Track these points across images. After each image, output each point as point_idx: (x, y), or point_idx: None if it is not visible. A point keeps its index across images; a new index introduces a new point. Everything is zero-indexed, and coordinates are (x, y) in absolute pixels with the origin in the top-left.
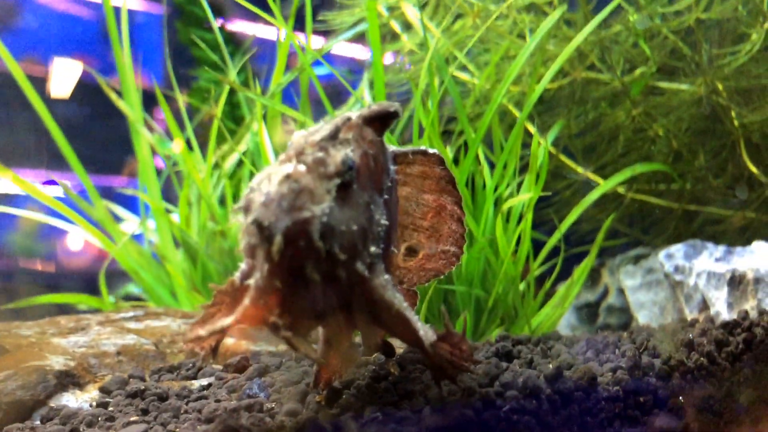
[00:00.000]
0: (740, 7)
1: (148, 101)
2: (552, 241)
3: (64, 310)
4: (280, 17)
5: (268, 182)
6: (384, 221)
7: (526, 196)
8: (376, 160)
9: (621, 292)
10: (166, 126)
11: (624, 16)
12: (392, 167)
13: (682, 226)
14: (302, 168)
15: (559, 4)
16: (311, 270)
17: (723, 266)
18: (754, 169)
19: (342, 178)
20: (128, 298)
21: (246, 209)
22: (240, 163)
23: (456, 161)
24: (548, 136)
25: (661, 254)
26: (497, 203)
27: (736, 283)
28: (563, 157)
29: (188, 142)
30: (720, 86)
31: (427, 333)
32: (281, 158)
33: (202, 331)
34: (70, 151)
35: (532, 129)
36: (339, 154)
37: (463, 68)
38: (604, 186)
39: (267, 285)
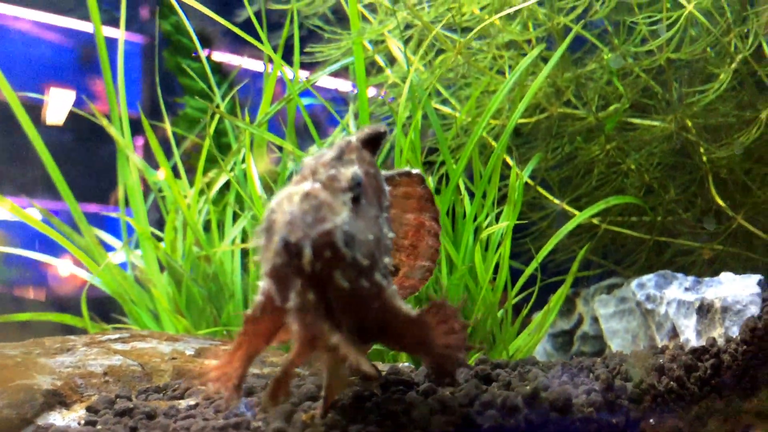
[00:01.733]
0: (708, 49)
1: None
2: (529, 271)
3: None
4: (269, 47)
5: (288, 202)
6: (391, 234)
7: (504, 224)
8: (376, 180)
9: (595, 320)
10: (144, 153)
11: (599, 55)
12: (387, 188)
13: (654, 257)
14: (318, 185)
15: (537, 42)
16: (340, 277)
17: (692, 296)
18: (721, 203)
19: (353, 192)
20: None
21: (269, 230)
22: (225, 190)
23: (438, 191)
24: (526, 168)
25: (633, 284)
26: (477, 232)
27: (705, 311)
28: (540, 189)
29: (175, 169)
30: (689, 123)
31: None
32: (296, 179)
33: (229, 370)
34: (59, 176)
35: (510, 161)
36: (348, 171)
37: (445, 102)
38: (579, 217)
39: (303, 302)
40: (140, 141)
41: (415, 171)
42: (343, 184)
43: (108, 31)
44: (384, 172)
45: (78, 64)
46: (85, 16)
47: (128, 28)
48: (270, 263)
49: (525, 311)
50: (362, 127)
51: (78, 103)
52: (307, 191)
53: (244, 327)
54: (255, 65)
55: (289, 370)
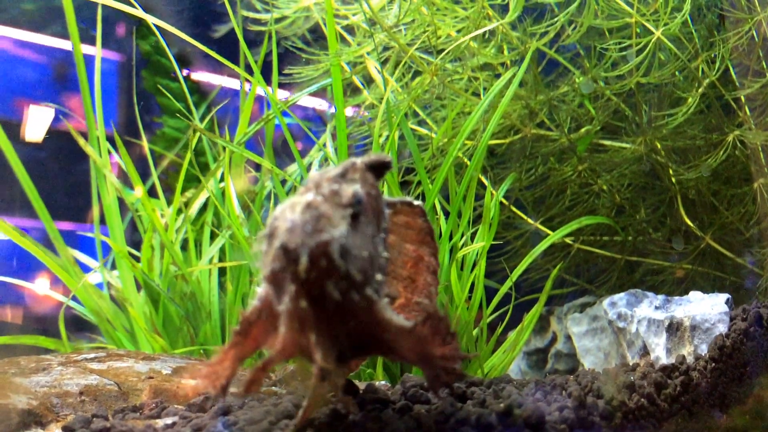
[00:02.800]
0: (677, 73)
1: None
2: (503, 289)
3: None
4: (243, 71)
5: (290, 211)
6: (386, 254)
7: (479, 245)
8: (376, 202)
9: (568, 338)
10: (118, 170)
11: (571, 78)
12: (387, 211)
13: (625, 275)
14: (320, 198)
15: (511, 64)
16: (332, 288)
17: (662, 314)
18: (690, 224)
19: (353, 209)
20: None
21: (270, 236)
22: (203, 209)
23: None
24: (500, 188)
25: (605, 302)
26: (452, 251)
27: (674, 330)
28: (515, 209)
29: (153, 188)
30: (659, 145)
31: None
32: (300, 191)
33: (221, 369)
34: (34, 194)
35: (485, 181)
36: (350, 189)
37: (421, 122)
38: (552, 237)
39: (295, 307)
40: (115, 155)
41: (417, 203)
42: (344, 200)
43: (87, 49)
44: (386, 198)
45: (52, 81)
46: (59, 33)
47: (104, 46)
48: (269, 267)
49: (500, 329)
50: (369, 153)
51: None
52: (309, 201)
53: (240, 327)
54: (234, 83)
55: (266, 366)
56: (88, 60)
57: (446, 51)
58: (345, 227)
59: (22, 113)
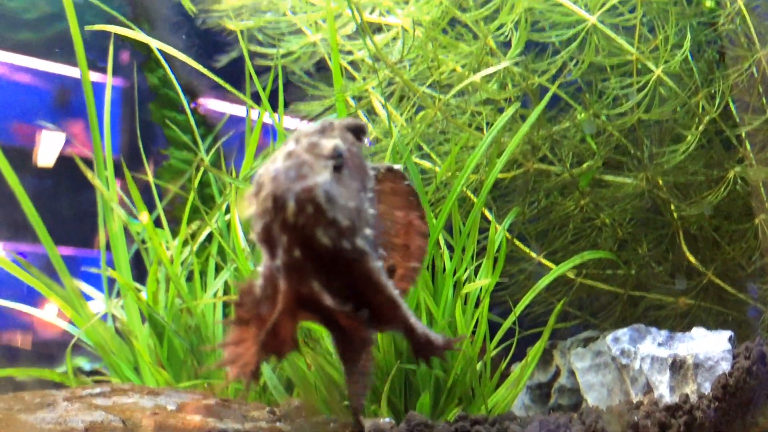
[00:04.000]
0: (678, 108)
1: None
2: (507, 324)
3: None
4: (264, 99)
5: (272, 163)
6: (372, 210)
7: (484, 282)
8: (359, 160)
9: (572, 373)
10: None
11: (572, 114)
12: (373, 173)
13: (628, 310)
14: (299, 148)
15: (514, 100)
16: (322, 234)
17: (665, 351)
18: (692, 259)
19: (335, 161)
20: (79, 371)
21: (257, 193)
22: (208, 240)
23: None
24: (504, 222)
25: (609, 338)
26: (456, 286)
27: (677, 367)
28: (518, 242)
29: (157, 219)
30: (660, 181)
31: (416, 321)
32: (281, 147)
33: (240, 350)
34: (38, 220)
35: (489, 215)
36: (330, 142)
37: (424, 156)
38: (555, 272)
39: (290, 258)
40: (118, 182)
41: (396, 166)
42: (325, 151)
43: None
44: (373, 165)
45: (53, 107)
46: (61, 59)
47: (106, 72)
48: (260, 224)
49: (503, 365)
50: (343, 118)
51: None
52: (289, 151)
53: (240, 300)
54: (241, 110)
55: (277, 321)
56: (94, 87)
57: (450, 87)
58: (328, 174)
59: (21, 138)
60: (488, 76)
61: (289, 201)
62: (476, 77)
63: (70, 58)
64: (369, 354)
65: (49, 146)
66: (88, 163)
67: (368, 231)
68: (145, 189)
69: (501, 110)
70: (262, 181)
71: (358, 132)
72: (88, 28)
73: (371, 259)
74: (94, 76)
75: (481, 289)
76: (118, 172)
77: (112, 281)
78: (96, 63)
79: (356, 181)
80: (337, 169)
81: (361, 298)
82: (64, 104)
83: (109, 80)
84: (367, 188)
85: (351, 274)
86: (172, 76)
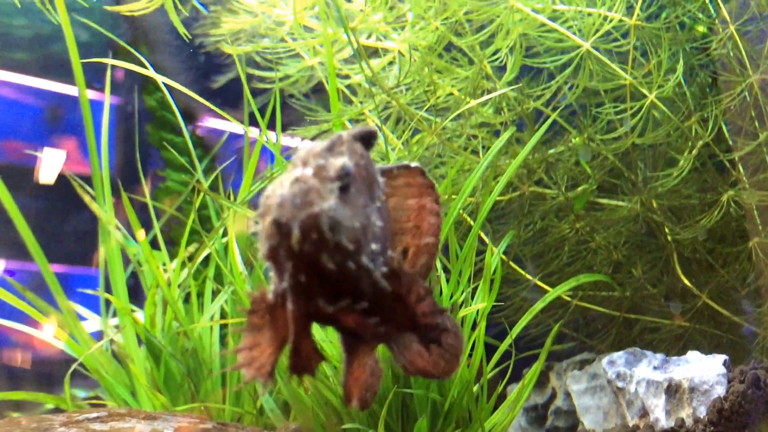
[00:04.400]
0: (672, 132)
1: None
2: (503, 347)
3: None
4: (261, 121)
5: (280, 187)
6: (379, 223)
7: (480, 306)
8: (367, 171)
9: (568, 395)
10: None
11: (567, 138)
12: (381, 179)
13: (623, 332)
14: (308, 172)
15: (510, 124)
16: (327, 260)
17: (660, 375)
18: (686, 282)
19: (342, 182)
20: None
21: (263, 215)
22: (205, 262)
23: None
24: (500, 245)
25: (604, 361)
26: (453, 309)
27: (673, 391)
28: (513, 265)
29: (154, 241)
30: (654, 204)
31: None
32: (289, 169)
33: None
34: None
35: (485, 238)
36: (338, 161)
37: None
38: (551, 294)
39: (296, 282)
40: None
41: (414, 164)
42: (332, 173)
43: (71, 90)
44: (383, 165)
45: (43, 124)
46: (51, 76)
47: (100, 89)
48: (266, 245)
49: (500, 387)
50: (354, 126)
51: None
52: (297, 177)
53: (254, 310)
54: (240, 129)
55: (295, 342)
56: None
57: (446, 110)
58: (334, 200)
59: (11, 156)
60: (484, 100)
61: (294, 230)
62: (474, 104)
63: (62, 76)
64: (374, 354)
65: (49, 164)
66: (86, 181)
67: (374, 246)
68: (140, 209)
69: (497, 133)
70: (269, 204)
71: (368, 139)
72: (89, 60)
73: (377, 269)
74: (90, 94)
75: (477, 311)
76: (114, 192)
77: (106, 304)
78: (92, 83)
79: (364, 195)
80: (344, 189)
81: (370, 303)
82: (56, 122)
83: (107, 101)
84: (375, 197)
85: (357, 285)
86: (170, 99)
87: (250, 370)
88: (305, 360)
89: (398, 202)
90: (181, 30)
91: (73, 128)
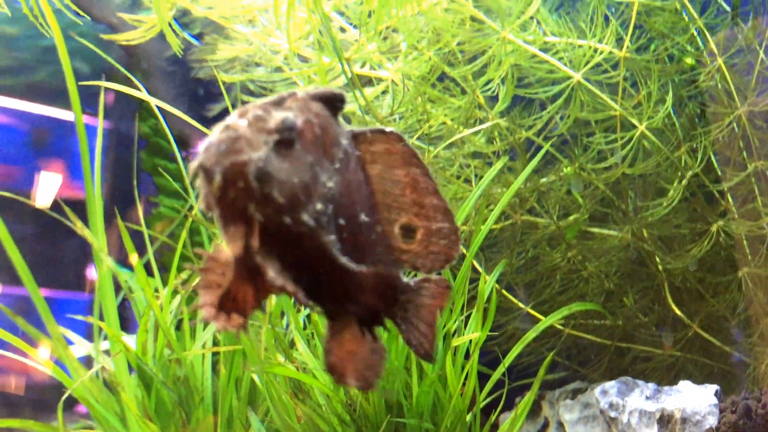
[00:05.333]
0: (662, 162)
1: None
2: (496, 375)
3: None
4: None
5: (211, 134)
6: (331, 184)
7: (474, 335)
8: (324, 131)
9: (560, 425)
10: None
11: (558, 167)
12: (345, 141)
13: (615, 360)
14: (242, 122)
15: (502, 153)
16: (253, 210)
17: (653, 405)
18: (677, 311)
19: (281, 135)
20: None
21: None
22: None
23: None
24: (493, 274)
25: (597, 390)
26: (445, 338)
27: (665, 422)
28: (506, 293)
29: (148, 267)
30: (645, 233)
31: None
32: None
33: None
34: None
35: (478, 267)
36: (280, 115)
37: None
38: (543, 323)
39: (226, 230)
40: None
41: (389, 129)
42: (270, 125)
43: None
44: (355, 128)
45: (29, 146)
46: (37, 99)
47: (91, 113)
48: (201, 194)
49: (494, 417)
50: (318, 86)
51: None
52: (228, 125)
53: (209, 269)
54: None
55: (233, 287)
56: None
57: (439, 138)
58: (265, 151)
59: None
60: (476, 129)
61: (216, 176)
62: (467, 133)
63: (49, 100)
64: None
65: (45, 188)
66: (71, 204)
67: (320, 206)
68: (133, 235)
69: (490, 162)
70: (198, 152)
71: (331, 101)
72: (85, 84)
73: (324, 233)
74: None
75: (470, 341)
76: (105, 218)
77: (88, 324)
78: (82, 108)
79: (315, 155)
80: (284, 143)
81: (320, 276)
82: (42, 145)
83: (100, 126)
84: (334, 159)
85: (301, 248)
86: (164, 125)
87: (220, 322)
88: (239, 305)
89: (383, 170)
90: (176, 48)
91: (59, 152)
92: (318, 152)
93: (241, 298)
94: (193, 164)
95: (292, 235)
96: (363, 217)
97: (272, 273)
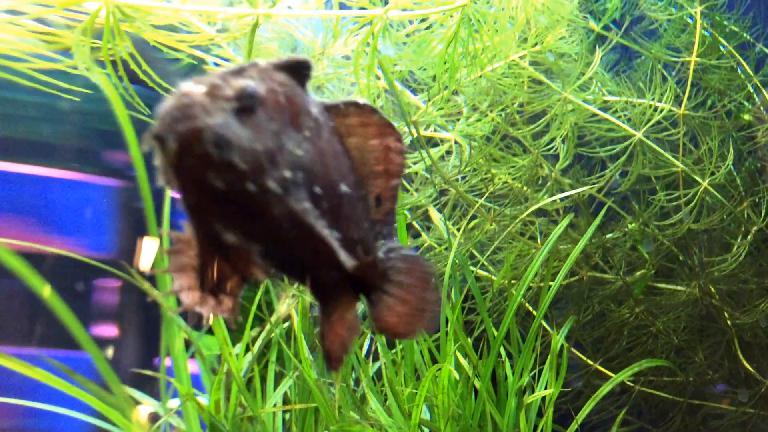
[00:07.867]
0: (725, 217)
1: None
2: None
3: None
4: None
5: (165, 102)
6: (299, 152)
7: (548, 392)
8: (290, 100)
9: None
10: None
11: (622, 223)
12: (316, 110)
13: (687, 418)
14: (198, 88)
15: (565, 211)
16: (214, 178)
17: None
18: (749, 367)
19: (240, 103)
20: None
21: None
22: (266, 346)
23: (479, 354)
24: (561, 331)
25: None
26: (517, 395)
27: None
28: (575, 351)
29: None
30: (712, 289)
31: (347, 258)
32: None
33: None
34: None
35: (547, 326)
36: (239, 82)
37: (475, 263)
38: (615, 379)
39: (185, 199)
40: (115, 283)
41: (363, 101)
42: (228, 92)
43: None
44: (328, 101)
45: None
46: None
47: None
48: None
49: None
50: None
51: None
52: (183, 92)
53: (177, 251)
54: None
55: (204, 263)
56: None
57: (502, 197)
58: (223, 118)
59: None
60: (539, 187)
61: (170, 142)
62: (530, 192)
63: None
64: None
65: (146, 253)
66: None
67: (287, 173)
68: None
69: (554, 221)
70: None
71: (295, 70)
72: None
73: (294, 200)
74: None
75: (543, 398)
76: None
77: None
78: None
79: (279, 122)
80: (245, 111)
81: (295, 245)
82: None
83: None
84: (303, 127)
85: (270, 217)
86: None
87: (206, 309)
88: (222, 284)
89: (360, 142)
90: None
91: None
92: (283, 120)
93: (221, 276)
94: (147, 135)
95: (259, 203)
96: (343, 188)
97: (233, 239)
